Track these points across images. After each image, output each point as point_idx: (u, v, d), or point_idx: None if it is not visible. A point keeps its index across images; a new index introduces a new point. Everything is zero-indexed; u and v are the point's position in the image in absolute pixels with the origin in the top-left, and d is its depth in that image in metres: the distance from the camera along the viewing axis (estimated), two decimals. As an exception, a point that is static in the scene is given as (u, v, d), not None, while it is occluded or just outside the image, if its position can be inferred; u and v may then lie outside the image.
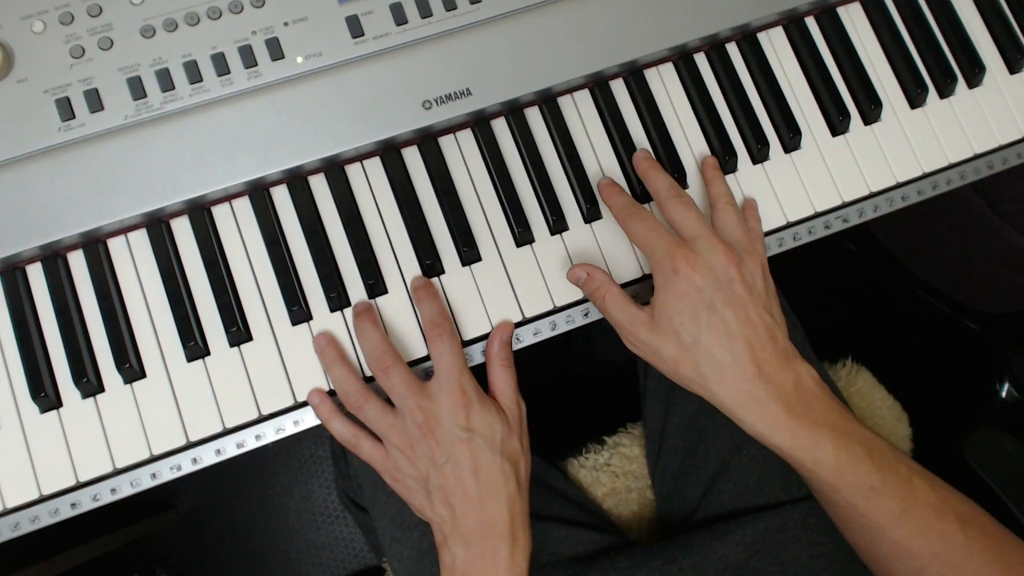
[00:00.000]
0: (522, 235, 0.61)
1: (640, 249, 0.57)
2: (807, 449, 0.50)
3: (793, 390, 0.51)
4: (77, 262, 0.59)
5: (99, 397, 0.57)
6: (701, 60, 0.65)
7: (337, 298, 0.59)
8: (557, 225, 0.61)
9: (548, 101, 0.63)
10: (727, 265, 0.52)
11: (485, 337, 0.60)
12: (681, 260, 0.52)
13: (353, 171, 0.62)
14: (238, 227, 0.60)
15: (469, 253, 0.60)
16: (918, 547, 0.49)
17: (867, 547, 0.53)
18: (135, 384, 0.57)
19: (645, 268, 0.61)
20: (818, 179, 0.64)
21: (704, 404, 0.70)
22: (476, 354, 0.60)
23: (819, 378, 0.53)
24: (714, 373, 0.52)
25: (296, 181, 0.61)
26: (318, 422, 0.58)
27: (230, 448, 0.57)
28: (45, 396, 0.56)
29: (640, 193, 0.62)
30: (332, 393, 0.58)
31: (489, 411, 0.56)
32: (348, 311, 0.59)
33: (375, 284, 0.60)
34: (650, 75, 0.65)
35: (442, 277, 0.61)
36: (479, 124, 0.62)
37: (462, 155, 0.63)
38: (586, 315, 0.61)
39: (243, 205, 0.60)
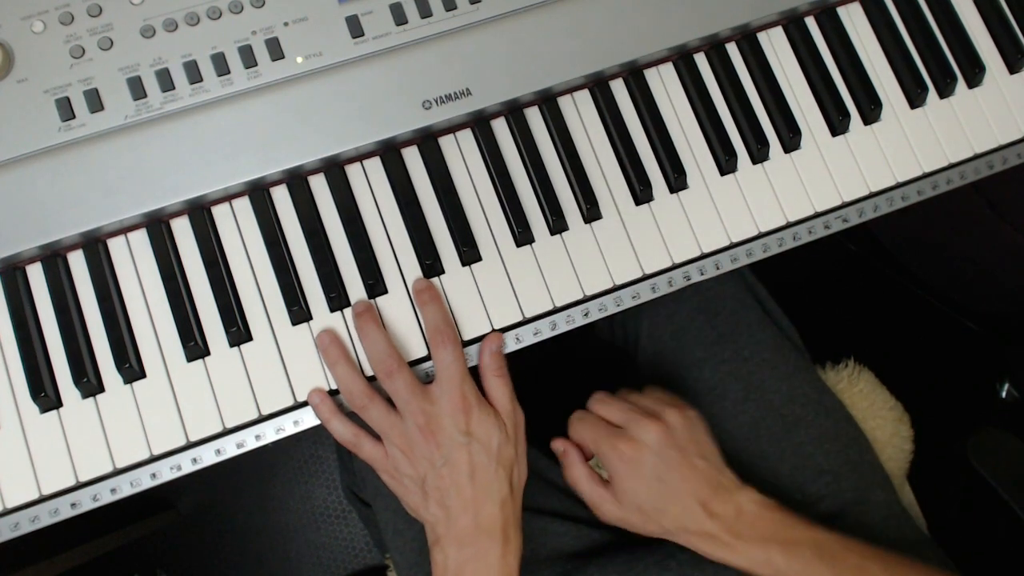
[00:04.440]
0: (522, 235, 0.61)
1: (590, 448, 0.64)
2: (761, 564, 0.57)
3: (736, 518, 0.59)
4: (77, 262, 0.59)
5: (99, 397, 0.57)
6: (701, 60, 0.65)
7: (337, 298, 0.59)
8: (557, 225, 0.61)
9: (548, 101, 0.63)
10: (659, 438, 0.60)
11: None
12: (624, 449, 0.60)
13: (353, 171, 0.62)
14: (238, 227, 0.60)
15: (469, 253, 0.60)
16: None
17: None
18: (135, 384, 0.57)
19: (645, 268, 0.62)
20: (818, 179, 0.64)
21: None
22: (475, 355, 0.60)
23: (761, 499, 0.60)
24: (674, 525, 0.60)
25: (296, 181, 0.61)
26: (318, 422, 0.58)
27: (230, 448, 0.57)
28: (45, 396, 0.56)
29: (640, 194, 0.62)
30: (331, 393, 0.58)
31: (488, 417, 0.57)
32: (348, 311, 0.59)
33: (375, 284, 0.60)
34: (650, 75, 0.65)
35: (442, 277, 0.61)
36: (479, 124, 0.62)
37: (462, 155, 0.62)
38: (586, 315, 0.61)
39: (243, 205, 0.60)
